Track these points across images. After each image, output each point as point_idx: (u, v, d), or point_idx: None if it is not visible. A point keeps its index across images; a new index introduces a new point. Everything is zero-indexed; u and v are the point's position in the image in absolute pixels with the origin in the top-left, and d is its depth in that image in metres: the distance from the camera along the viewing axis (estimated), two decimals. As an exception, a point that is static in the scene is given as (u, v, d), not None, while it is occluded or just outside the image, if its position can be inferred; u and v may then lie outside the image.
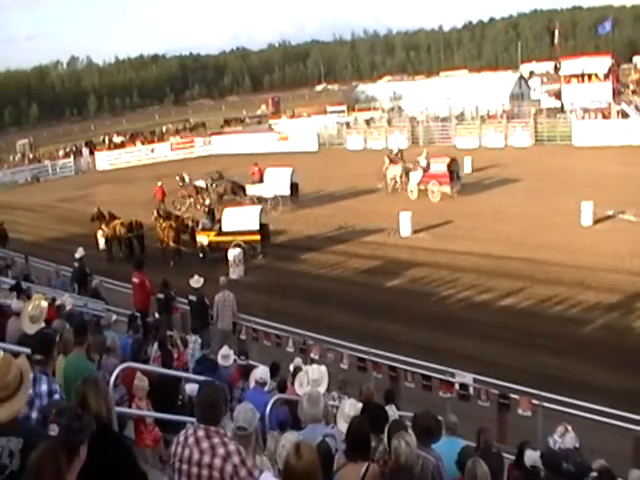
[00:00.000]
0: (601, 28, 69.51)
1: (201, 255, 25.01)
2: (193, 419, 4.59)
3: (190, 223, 26.16)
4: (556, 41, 73.91)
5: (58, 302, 11.78)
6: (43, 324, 7.63)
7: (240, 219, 24.56)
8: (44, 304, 8.00)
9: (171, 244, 25.52)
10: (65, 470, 3.36)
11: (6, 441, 3.83)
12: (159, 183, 35.82)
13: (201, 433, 4.26)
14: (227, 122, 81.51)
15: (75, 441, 3.56)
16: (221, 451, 4.19)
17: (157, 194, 34.95)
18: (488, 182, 33.74)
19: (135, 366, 8.36)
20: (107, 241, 26.85)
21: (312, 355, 14.25)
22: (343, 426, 7.75)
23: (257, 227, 24.34)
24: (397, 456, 5.18)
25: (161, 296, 16.34)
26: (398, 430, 5.49)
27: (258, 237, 24.36)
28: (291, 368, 10.42)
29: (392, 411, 8.08)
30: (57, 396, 5.11)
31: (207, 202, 28.40)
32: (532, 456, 6.34)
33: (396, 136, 49.61)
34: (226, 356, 10.67)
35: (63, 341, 7.13)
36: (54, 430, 3.51)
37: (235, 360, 10.74)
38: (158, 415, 8.13)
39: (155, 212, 27.13)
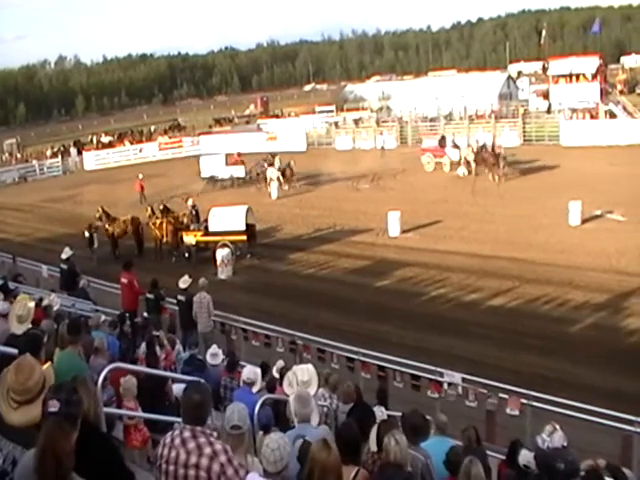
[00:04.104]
0: (595, 27, 70.09)
1: (186, 255, 25.00)
2: (180, 419, 4.54)
3: (186, 220, 26.00)
4: (542, 41, 74.34)
5: (45, 302, 11.68)
6: (30, 325, 7.57)
7: (226, 219, 24.48)
8: (31, 304, 7.96)
9: (169, 240, 25.56)
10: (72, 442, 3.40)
11: (12, 447, 3.77)
12: (140, 176, 38.57)
13: (187, 434, 4.21)
14: (218, 122, 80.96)
15: (76, 413, 3.61)
16: (207, 450, 4.14)
17: (136, 187, 37.69)
18: (475, 182, 33.80)
19: (123, 367, 8.31)
20: (114, 238, 26.72)
21: (304, 355, 14.22)
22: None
23: (243, 227, 24.26)
24: (387, 453, 5.19)
25: (151, 296, 16.25)
26: (388, 429, 5.49)
27: (244, 237, 24.32)
28: (274, 371, 10.26)
29: (380, 412, 8.06)
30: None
31: (190, 202, 27.83)
32: (527, 455, 6.37)
33: (385, 136, 49.75)
34: (215, 354, 10.63)
35: (60, 336, 7.10)
36: (54, 406, 3.54)
37: (224, 359, 10.69)
38: (145, 415, 8.08)
39: (149, 209, 26.93)
